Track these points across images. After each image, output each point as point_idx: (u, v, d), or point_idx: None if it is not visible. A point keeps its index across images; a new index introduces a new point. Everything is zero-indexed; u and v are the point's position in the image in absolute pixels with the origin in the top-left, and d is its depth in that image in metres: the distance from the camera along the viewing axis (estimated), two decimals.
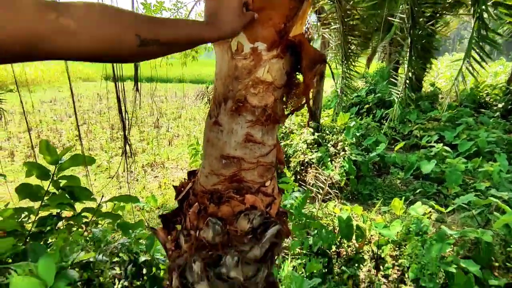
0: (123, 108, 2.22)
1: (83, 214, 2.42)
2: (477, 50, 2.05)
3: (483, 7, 1.81)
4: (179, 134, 10.85)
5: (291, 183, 3.24)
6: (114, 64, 2.34)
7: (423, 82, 9.42)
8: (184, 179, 1.16)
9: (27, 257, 1.88)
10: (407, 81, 2.80)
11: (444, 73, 13.15)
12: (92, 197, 2.38)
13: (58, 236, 1.72)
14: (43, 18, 0.48)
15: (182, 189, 1.12)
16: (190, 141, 9.81)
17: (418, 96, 7.73)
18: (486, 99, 8.27)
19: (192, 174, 1.15)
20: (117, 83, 1.85)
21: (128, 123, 2.79)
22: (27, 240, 2.06)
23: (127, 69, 2.62)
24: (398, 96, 2.79)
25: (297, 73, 1.01)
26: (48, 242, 2.06)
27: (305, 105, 1.00)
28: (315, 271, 2.83)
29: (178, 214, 1.09)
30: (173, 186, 1.15)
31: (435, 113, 6.80)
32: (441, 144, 4.89)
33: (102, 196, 2.85)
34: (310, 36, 1.02)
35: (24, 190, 2.10)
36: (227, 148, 0.93)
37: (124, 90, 2.62)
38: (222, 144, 0.93)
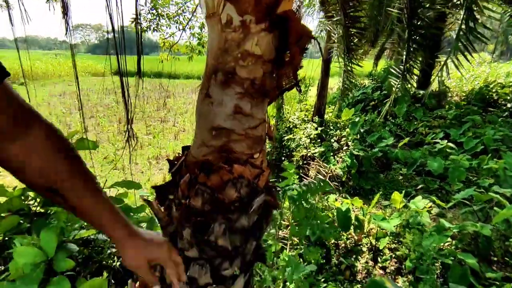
0: (126, 95, 2.27)
1: None
2: (464, 42, 2.04)
3: None
4: (185, 129, 10.94)
5: (292, 172, 3.26)
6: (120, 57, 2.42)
7: (431, 79, 9.30)
8: (179, 153, 1.20)
9: (31, 234, 1.96)
10: (406, 74, 2.79)
11: (455, 72, 12.97)
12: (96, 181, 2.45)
13: (60, 213, 1.79)
14: None
15: (176, 162, 1.16)
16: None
17: (425, 93, 7.65)
18: (496, 98, 8.14)
19: (185, 148, 1.19)
20: (120, 67, 1.91)
21: (132, 111, 2.85)
22: (32, 219, 2.14)
23: (132, 64, 2.69)
24: (395, 86, 2.77)
25: (287, 51, 1.04)
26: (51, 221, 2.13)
27: (295, 85, 1.03)
28: (312, 260, 2.85)
29: (171, 186, 1.14)
30: (167, 159, 1.19)
31: (441, 111, 6.73)
32: (446, 141, 4.85)
33: (106, 180, 2.93)
34: (299, 16, 1.05)
35: None
36: (217, 119, 0.96)
37: (128, 84, 2.69)
38: (213, 116, 0.97)
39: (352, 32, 2.99)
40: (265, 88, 0.98)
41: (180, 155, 1.20)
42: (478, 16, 1.93)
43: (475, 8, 1.93)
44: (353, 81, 3.51)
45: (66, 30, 2.71)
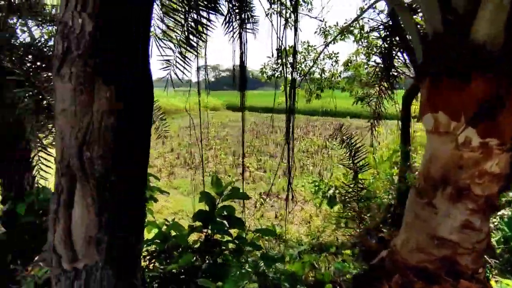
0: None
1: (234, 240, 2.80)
2: None
3: None
4: (293, 165, 11.22)
5: None
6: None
7: None
8: (375, 242, 1.25)
9: (198, 272, 2.30)
10: None
11: None
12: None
13: (234, 261, 2.05)
14: None
15: (372, 250, 1.21)
16: (303, 172, 10.05)
17: None
18: None
19: (382, 240, 1.23)
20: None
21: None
22: (197, 256, 2.54)
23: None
24: None
25: None
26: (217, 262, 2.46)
27: None
28: None
29: (370, 277, 1.18)
30: (363, 246, 1.25)
31: None
32: None
33: (249, 226, 3.24)
34: None
35: (199, 215, 2.63)
36: (441, 230, 0.98)
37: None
38: (435, 225, 0.99)
39: None
40: (497, 202, 0.95)
41: (375, 243, 1.25)
42: None
43: None
44: None
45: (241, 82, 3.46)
